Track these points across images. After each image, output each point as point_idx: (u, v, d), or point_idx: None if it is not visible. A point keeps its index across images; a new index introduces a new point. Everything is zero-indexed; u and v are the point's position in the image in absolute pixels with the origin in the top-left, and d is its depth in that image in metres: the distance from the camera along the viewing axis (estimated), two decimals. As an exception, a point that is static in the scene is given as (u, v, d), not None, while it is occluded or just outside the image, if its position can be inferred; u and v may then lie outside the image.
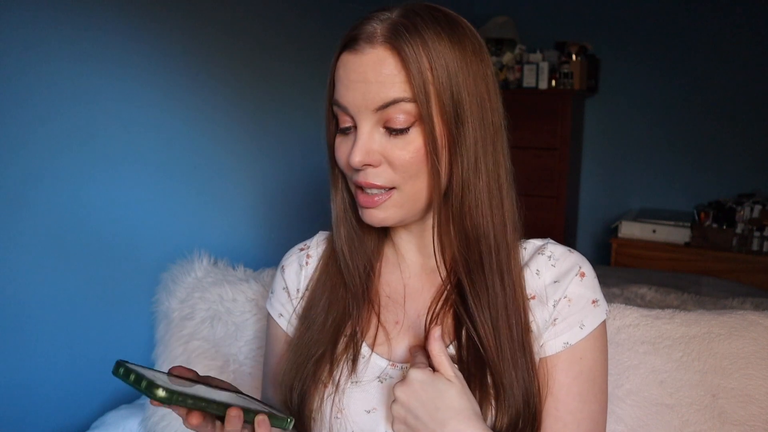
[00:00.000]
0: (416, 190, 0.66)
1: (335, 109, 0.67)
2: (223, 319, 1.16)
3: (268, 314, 0.85)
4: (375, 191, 0.66)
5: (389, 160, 0.64)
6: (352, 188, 0.70)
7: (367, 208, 0.68)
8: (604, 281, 1.64)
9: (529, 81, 2.81)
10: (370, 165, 0.65)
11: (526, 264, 0.72)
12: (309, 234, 0.88)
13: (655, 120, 2.98)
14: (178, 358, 1.15)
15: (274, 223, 1.85)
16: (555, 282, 0.70)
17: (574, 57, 2.76)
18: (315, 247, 0.83)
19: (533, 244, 0.75)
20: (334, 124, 0.69)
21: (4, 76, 1.07)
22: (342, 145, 0.68)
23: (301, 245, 0.85)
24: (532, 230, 0.77)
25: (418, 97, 0.62)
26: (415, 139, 0.64)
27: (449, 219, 0.69)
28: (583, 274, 0.71)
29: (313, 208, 1.92)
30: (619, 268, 2.20)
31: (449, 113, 0.63)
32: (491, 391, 0.65)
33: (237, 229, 1.73)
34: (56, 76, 1.16)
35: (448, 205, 0.68)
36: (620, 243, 2.74)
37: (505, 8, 3.07)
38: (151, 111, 1.40)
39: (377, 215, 0.67)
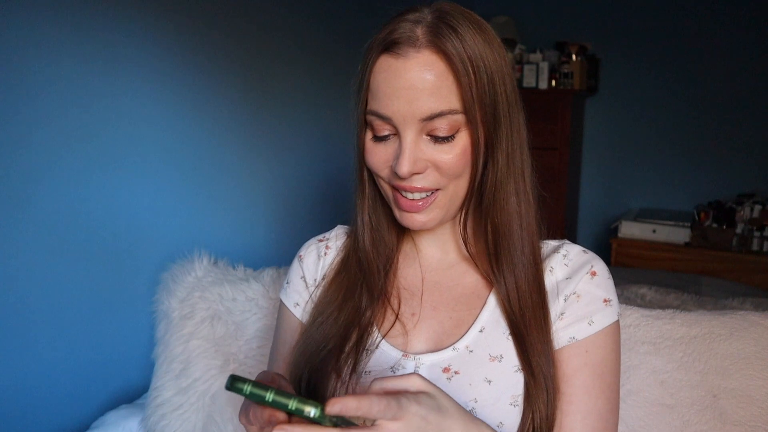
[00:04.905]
0: (458, 189, 0.67)
1: (371, 118, 0.66)
2: (223, 319, 1.16)
3: (281, 304, 0.84)
4: (418, 195, 0.66)
5: (436, 165, 0.65)
6: (387, 191, 0.69)
7: (409, 212, 0.67)
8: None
9: (529, 81, 2.81)
10: (417, 173, 0.64)
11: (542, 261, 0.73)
12: (308, 234, 0.88)
13: (655, 120, 2.98)
14: (178, 358, 1.15)
15: (273, 223, 1.85)
16: (567, 278, 0.71)
17: (574, 57, 2.76)
18: (334, 240, 0.83)
19: (549, 244, 0.75)
20: (367, 131, 0.68)
21: (5, 76, 1.07)
22: (378, 150, 0.67)
23: (319, 237, 0.85)
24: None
25: (465, 105, 0.62)
26: (459, 143, 0.64)
27: (481, 215, 0.70)
28: (594, 273, 0.71)
29: (313, 208, 1.91)
30: (619, 268, 2.20)
31: (489, 114, 0.64)
32: None
33: (237, 229, 1.73)
34: (58, 76, 1.16)
35: (480, 202, 0.69)
36: (620, 243, 2.74)
37: (505, 8, 3.07)
38: (152, 111, 1.39)
39: (419, 219, 0.67)
